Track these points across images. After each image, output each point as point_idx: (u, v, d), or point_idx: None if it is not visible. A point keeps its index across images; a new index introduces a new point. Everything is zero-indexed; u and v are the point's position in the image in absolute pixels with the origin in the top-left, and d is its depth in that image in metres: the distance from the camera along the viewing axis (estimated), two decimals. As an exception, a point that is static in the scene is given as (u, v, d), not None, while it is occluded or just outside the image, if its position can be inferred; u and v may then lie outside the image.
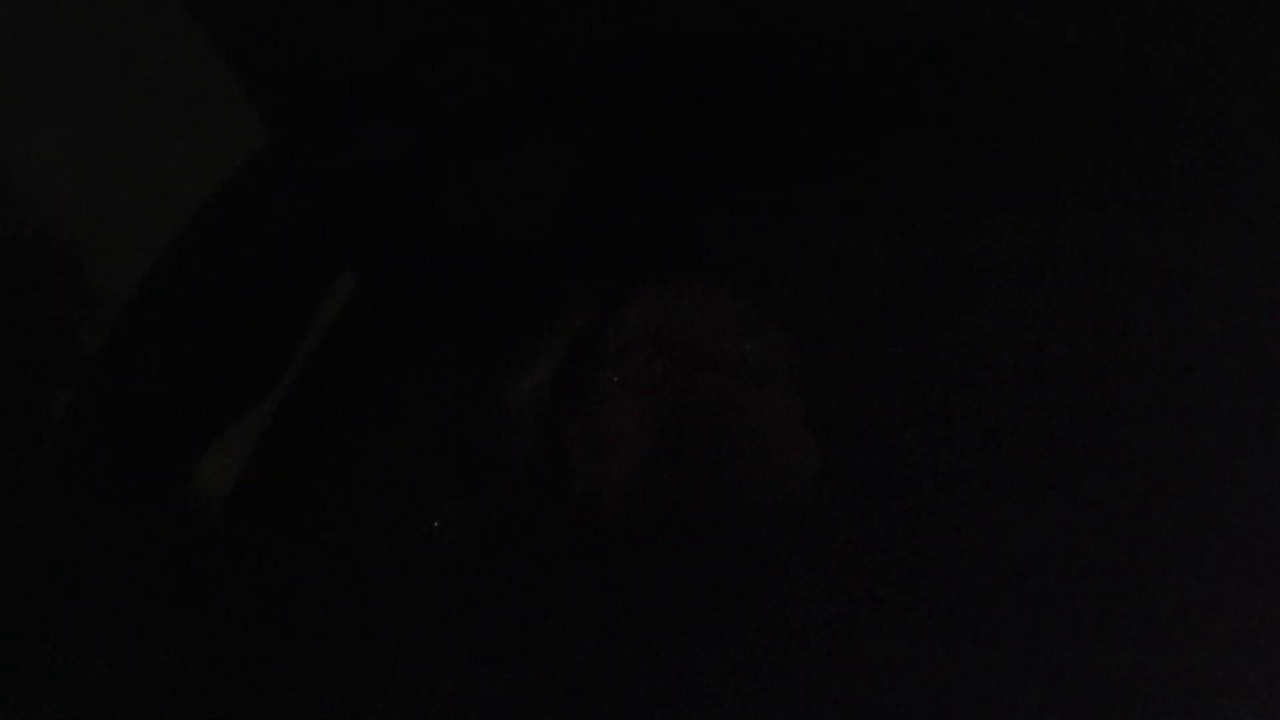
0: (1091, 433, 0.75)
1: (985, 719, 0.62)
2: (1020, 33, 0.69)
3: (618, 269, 0.83)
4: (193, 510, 0.72)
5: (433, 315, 0.85)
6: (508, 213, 0.83)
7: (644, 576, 0.67)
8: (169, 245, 0.69)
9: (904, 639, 0.65)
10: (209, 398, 0.71)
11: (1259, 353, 0.69)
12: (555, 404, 0.82)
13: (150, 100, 0.67)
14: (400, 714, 0.64)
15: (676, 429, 0.75)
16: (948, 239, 0.79)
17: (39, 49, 0.69)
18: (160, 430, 0.69)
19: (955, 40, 0.70)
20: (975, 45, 0.70)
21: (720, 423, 0.74)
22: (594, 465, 0.78)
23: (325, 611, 0.70)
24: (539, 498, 0.80)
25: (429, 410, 0.87)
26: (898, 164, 0.79)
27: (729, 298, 0.80)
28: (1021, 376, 0.78)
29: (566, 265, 0.85)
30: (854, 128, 0.80)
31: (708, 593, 0.66)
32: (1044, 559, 0.67)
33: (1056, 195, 0.76)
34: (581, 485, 0.79)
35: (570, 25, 0.70)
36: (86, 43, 0.70)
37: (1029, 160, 0.75)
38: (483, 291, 0.85)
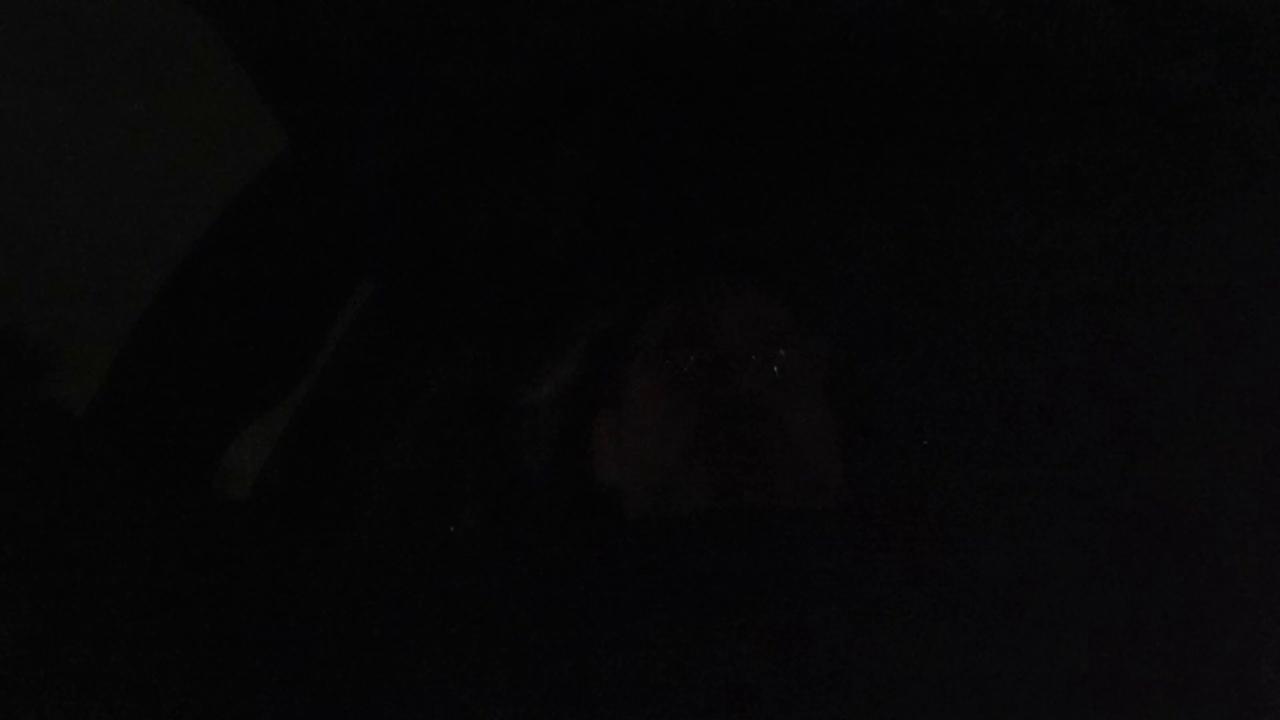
0: (1113, 444, 0.75)
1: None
2: (1042, 39, 0.70)
3: (644, 272, 0.84)
4: (212, 509, 0.71)
5: (453, 321, 0.85)
6: (529, 217, 0.83)
7: (665, 578, 0.66)
8: (192, 248, 0.70)
9: (923, 645, 0.64)
10: (230, 395, 0.71)
11: (1265, 352, 0.69)
12: (581, 400, 0.81)
13: (171, 107, 0.68)
14: (417, 714, 0.63)
15: (706, 429, 0.74)
16: (978, 247, 0.80)
17: (66, 60, 0.70)
18: (181, 427, 0.69)
19: (990, 45, 0.71)
20: (1006, 50, 0.70)
21: (752, 426, 0.74)
22: (618, 460, 0.78)
23: (344, 613, 0.69)
24: (560, 497, 0.79)
25: (448, 415, 0.87)
26: (926, 170, 0.80)
27: (763, 303, 0.81)
28: (1042, 387, 0.78)
29: (589, 269, 0.86)
30: (884, 133, 0.80)
31: (728, 596, 0.66)
32: (1065, 566, 0.67)
33: (1083, 200, 0.76)
34: (605, 479, 0.78)
35: (592, 28, 0.70)
36: (108, 54, 0.70)
37: (1058, 163, 0.75)
38: (503, 297, 0.85)
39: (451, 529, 0.76)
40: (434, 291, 0.83)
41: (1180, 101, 0.68)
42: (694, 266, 0.82)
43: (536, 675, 0.64)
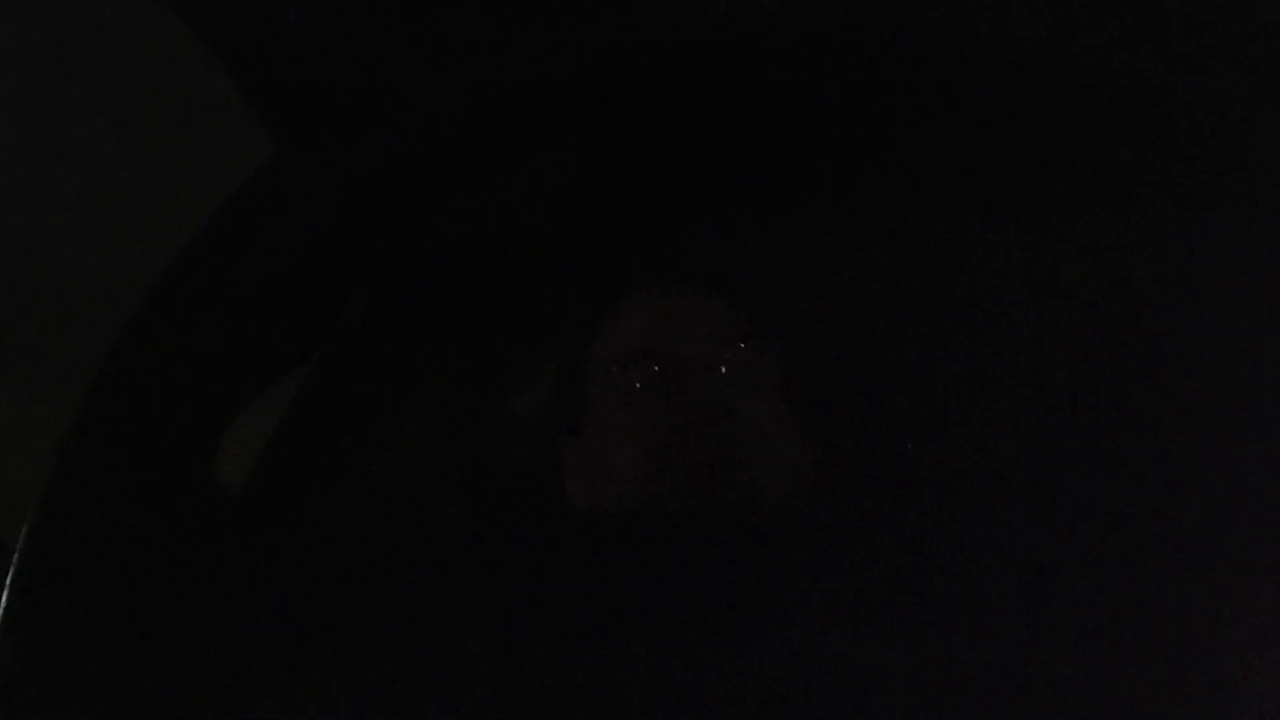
0: (1089, 436, 0.75)
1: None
2: (1019, 40, 0.69)
3: (609, 280, 0.84)
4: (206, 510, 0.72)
5: (433, 329, 0.86)
6: (505, 226, 0.83)
7: (643, 583, 0.67)
8: (178, 254, 0.70)
9: (902, 643, 0.64)
10: (216, 398, 0.72)
11: (1259, 353, 0.69)
12: (549, 419, 0.82)
13: (160, 115, 0.68)
14: (404, 712, 0.64)
15: (671, 435, 0.74)
16: (938, 245, 0.79)
17: (55, 68, 0.70)
18: (168, 429, 0.70)
19: (953, 47, 0.71)
20: (973, 53, 0.70)
21: (716, 427, 0.74)
22: (587, 478, 0.78)
23: (330, 616, 0.70)
24: (537, 509, 0.80)
25: (431, 422, 0.87)
26: (886, 174, 0.79)
27: (718, 306, 0.80)
28: (1016, 382, 0.78)
29: (561, 277, 0.86)
30: (843, 138, 0.80)
31: (706, 598, 0.66)
32: (1041, 564, 0.67)
33: (1050, 201, 0.76)
34: (577, 499, 0.78)
35: (565, 39, 0.70)
36: (100, 63, 0.70)
37: (1023, 167, 0.75)
38: (481, 305, 0.86)
39: (437, 532, 0.77)
40: (418, 297, 0.83)
41: (1150, 100, 0.68)
42: (654, 276, 0.82)
43: (521, 676, 0.64)
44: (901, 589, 0.67)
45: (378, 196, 0.74)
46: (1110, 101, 0.69)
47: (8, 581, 0.66)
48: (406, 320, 0.84)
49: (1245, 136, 0.67)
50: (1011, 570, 0.66)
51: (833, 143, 0.79)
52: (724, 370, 0.76)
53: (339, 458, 0.81)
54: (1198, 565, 0.64)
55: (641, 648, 0.64)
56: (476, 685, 0.64)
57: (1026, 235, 0.76)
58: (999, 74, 0.69)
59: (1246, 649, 0.61)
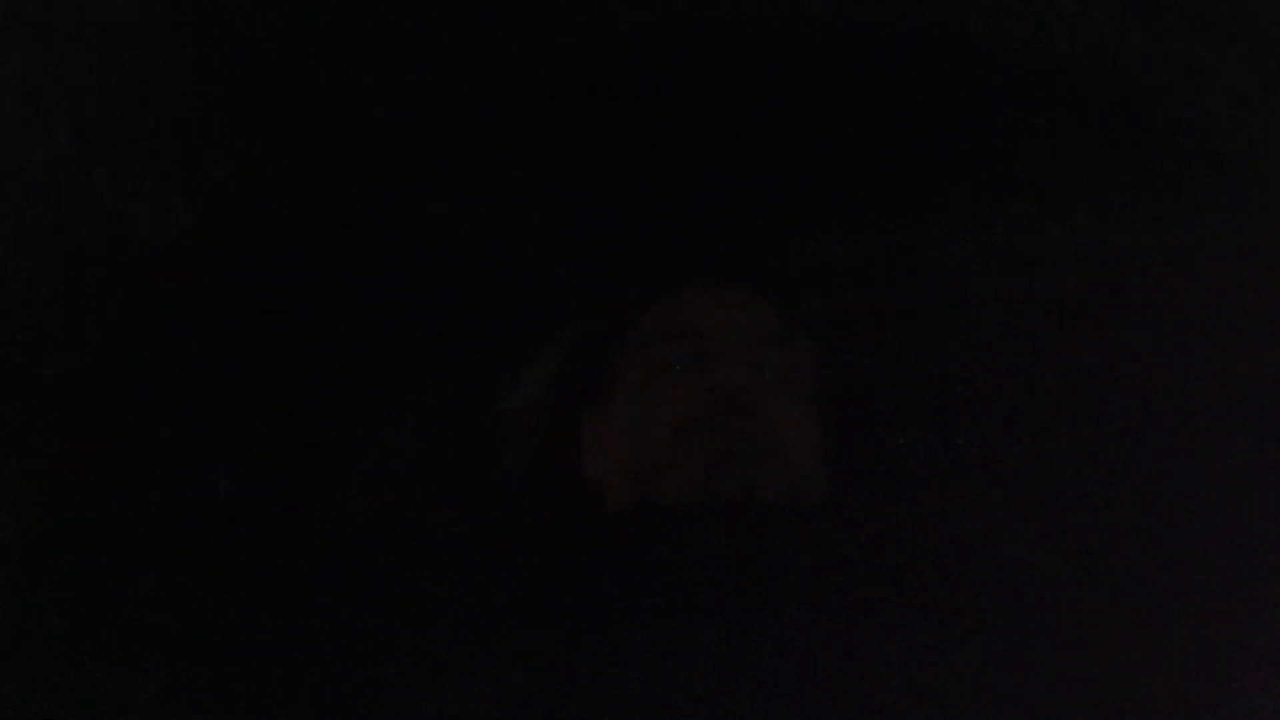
0: (1093, 440, 0.75)
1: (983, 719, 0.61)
2: (1021, 38, 0.69)
3: (632, 274, 0.84)
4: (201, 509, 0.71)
5: (431, 325, 0.86)
6: (507, 220, 0.83)
7: (648, 572, 0.67)
8: (170, 250, 0.70)
9: (905, 641, 0.64)
10: (206, 396, 0.72)
11: (1258, 353, 0.69)
12: (566, 400, 0.82)
13: (151, 114, 0.67)
14: (401, 714, 0.63)
15: (690, 421, 0.75)
16: (963, 246, 0.79)
17: (51, 64, 0.69)
18: (159, 428, 0.70)
19: (963, 48, 0.71)
20: (980, 52, 0.70)
21: (734, 421, 0.75)
22: (605, 453, 0.79)
23: (329, 614, 0.69)
24: (539, 498, 0.80)
25: (428, 418, 0.87)
26: (914, 171, 0.79)
27: (754, 305, 0.81)
28: (1026, 385, 0.78)
29: (569, 272, 0.86)
30: (871, 136, 0.80)
31: (711, 590, 0.66)
32: (1045, 565, 0.67)
33: (1063, 200, 0.76)
34: (592, 473, 0.79)
35: (584, 33, 0.70)
36: (93, 59, 0.69)
37: (1040, 166, 0.75)
38: (481, 300, 0.86)
39: (436, 529, 0.76)
40: (412, 295, 0.83)
41: (1151, 99, 0.68)
42: (684, 268, 0.83)
43: (517, 674, 0.64)
44: (900, 587, 0.67)
45: (371, 194, 0.74)
46: (1115, 100, 0.69)
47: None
48: (398, 318, 0.84)
49: (1245, 136, 0.68)
50: (1011, 570, 0.67)
51: (858, 141, 0.79)
52: (757, 369, 0.77)
53: (331, 456, 0.81)
54: (1196, 565, 0.64)
55: (638, 643, 0.64)
56: (472, 681, 0.64)
57: (1028, 235, 0.76)
58: (1000, 74, 0.70)
59: (1246, 649, 0.61)
